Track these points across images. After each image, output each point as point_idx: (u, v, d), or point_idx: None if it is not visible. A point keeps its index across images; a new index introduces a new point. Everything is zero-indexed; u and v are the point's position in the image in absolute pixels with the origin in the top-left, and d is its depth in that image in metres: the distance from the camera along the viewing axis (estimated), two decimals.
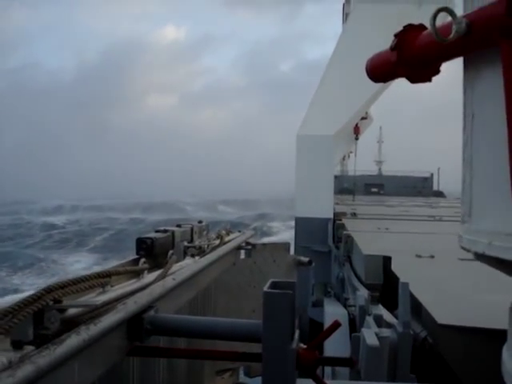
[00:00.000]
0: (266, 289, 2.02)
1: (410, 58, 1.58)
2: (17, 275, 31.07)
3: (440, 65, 1.61)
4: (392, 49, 1.61)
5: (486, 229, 1.44)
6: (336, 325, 2.25)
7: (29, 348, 1.60)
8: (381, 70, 1.76)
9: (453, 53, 1.51)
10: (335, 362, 2.37)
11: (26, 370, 1.42)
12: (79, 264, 34.60)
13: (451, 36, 1.36)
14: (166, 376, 3.11)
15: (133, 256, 3.46)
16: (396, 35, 1.62)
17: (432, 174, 38.09)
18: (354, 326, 4.72)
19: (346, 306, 6.81)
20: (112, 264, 3.13)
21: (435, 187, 37.66)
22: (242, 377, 5.06)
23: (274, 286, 2.13)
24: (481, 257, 1.45)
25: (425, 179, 37.84)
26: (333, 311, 6.49)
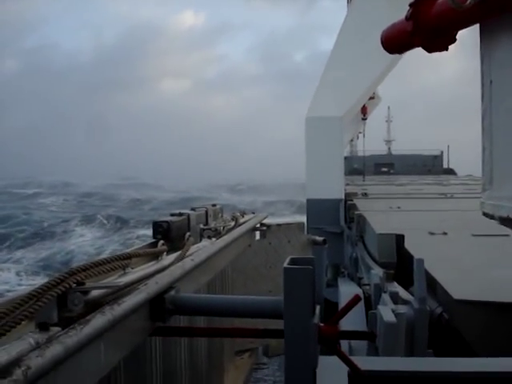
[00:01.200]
0: (285, 265, 2.03)
1: (426, 26, 1.57)
2: None
3: (456, 33, 1.60)
4: (407, 18, 1.60)
5: (508, 193, 1.43)
6: (356, 299, 2.26)
7: (55, 329, 1.62)
8: (396, 41, 1.75)
9: (469, 20, 1.50)
10: (356, 335, 2.39)
11: (55, 349, 1.44)
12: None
13: (468, 2, 1.35)
14: (187, 357, 3.14)
15: (150, 240, 3.49)
16: (411, 5, 1.60)
17: (442, 152, 37.84)
18: (369, 304, 4.74)
19: (360, 285, 6.83)
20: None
21: (445, 165, 37.42)
22: (260, 357, 5.11)
23: (293, 262, 2.13)
24: (505, 221, 1.45)
25: (435, 157, 37.59)
26: (348, 290, 6.51)
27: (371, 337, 2.22)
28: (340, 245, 11.71)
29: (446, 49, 1.65)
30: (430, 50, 1.63)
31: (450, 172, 35.22)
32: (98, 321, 1.67)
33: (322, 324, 2.12)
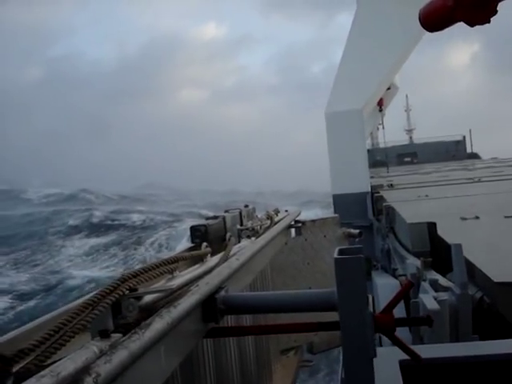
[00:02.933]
0: (336, 256, 2.01)
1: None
2: None
3: (497, 4, 1.57)
4: None
5: None
6: (409, 285, 2.24)
7: (116, 336, 1.63)
8: (436, 18, 1.72)
9: None
10: (413, 322, 2.36)
11: (121, 355, 1.44)
12: None
13: None
14: (236, 357, 3.14)
15: (188, 244, 3.50)
16: None
17: (464, 137, 37.41)
18: (407, 294, 4.70)
19: (395, 277, 6.77)
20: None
21: (468, 149, 37.00)
22: (305, 354, 5.09)
23: (341, 253, 2.11)
24: None
25: (457, 142, 37.18)
26: (383, 282, 6.45)
27: (429, 322, 2.18)
28: (370, 238, 11.66)
29: (489, 21, 1.61)
30: (472, 23, 1.60)
31: (475, 156, 34.84)
32: (158, 324, 1.67)
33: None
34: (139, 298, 1.96)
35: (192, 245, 3.43)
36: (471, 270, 4.06)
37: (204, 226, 3.47)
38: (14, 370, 1.38)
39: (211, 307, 2.15)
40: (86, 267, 30.56)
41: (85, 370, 1.34)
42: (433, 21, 1.76)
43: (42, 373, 1.29)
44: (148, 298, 1.95)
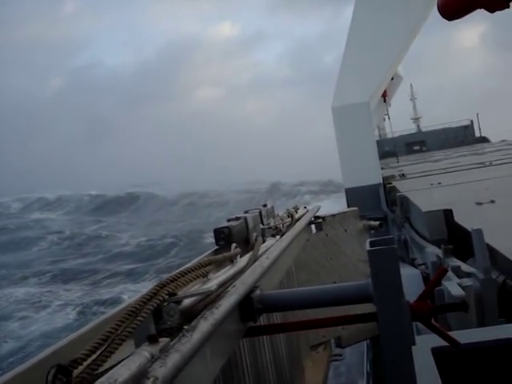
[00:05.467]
0: (368, 248, 2.04)
1: None
2: None
3: None
4: None
5: None
6: (442, 271, 2.26)
7: (164, 340, 1.66)
8: (455, 6, 1.74)
9: None
10: (450, 308, 2.38)
11: (174, 358, 1.48)
12: None
13: None
14: (270, 356, 3.17)
15: (213, 247, 3.53)
16: None
17: (472, 121, 37.21)
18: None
19: (414, 266, 6.78)
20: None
21: (477, 134, 36.79)
22: (334, 348, 5.12)
23: (373, 244, 2.14)
24: None
25: (465, 127, 37.01)
26: (404, 272, 6.45)
27: (465, 307, 2.20)
28: (385, 229, 11.65)
29: (508, 6, 1.63)
30: (492, 8, 1.62)
31: (484, 140, 34.65)
32: (203, 326, 1.70)
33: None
34: (179, 302, 1.99)
35: (216, 247, 3.46)
36: (492, 254, 4.08)
37: (227, 227, 3.50)
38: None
39: (248, 307, 2.19)
40: None
41: (141, 375, 1.37)
42: (452, 9, 1.78)
43: (100, 380, 1.32)
44: (187, 302, 1.98)
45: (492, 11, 1.63)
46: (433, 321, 2.13)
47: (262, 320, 2.89)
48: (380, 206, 12.43)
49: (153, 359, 1.51)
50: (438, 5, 1.79)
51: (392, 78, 20.75)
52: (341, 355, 5.08)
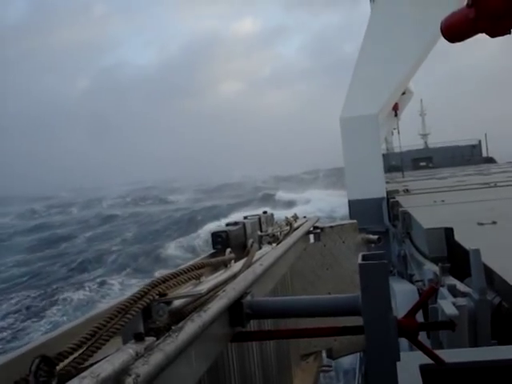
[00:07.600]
0: (360, 262, 2.06)
1: (489, 11, 1.58)
2: None
3: None
4: (469, 5, 1.61)
5: None
6: (432, 290, 2.27)
7: (150, 339, 1.68)
8: (458, 29, 1.76)
9: None
10: (436, 326, 2.39)
11: (158, 357, 1.50)
12: None
13: None
14: (259, 362, 3.18)
15: (210, 251, 3.55)
16: None
17: (480, 141, 37.16)
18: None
19: (412, 282, 6.77)
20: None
21: (484, 154, 36.73)
22: (324, 359, 5.12)
23: (365, 258, 2.16)
24: None
25: (473, 147, 36.99)
26: (401, 288, 6.47)
27: (452, 326, 2.22)
28: (386, 243, 11.65)
29: (509, 32, 1.65)
30: (493, 34, 1.64)
31: (490, 160, 34.58)
32: (190, 328, 1.72)
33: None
34: (169, 302, 2.01)
35: (213, 251, 3.48)
36: (489, 275, 4.07)
37: (225, 232, 3.52)
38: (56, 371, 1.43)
39: (238, 312, 2.21)
40: None
41: (124, 371, 1.39)
42: (454, 32, 1.80)
43: (83, 374, 1.34)
44: (177, 303, 2.00)
45: (493, 36, 1.65)
46: (419, 338, 2.14)
47: (253, 326, 2.90)
48: (382, 220, 12.43)
49: (137, 357, 1.53)
50: (441, 28, 1.82)
51: (404, 93, 20.80)
52: (330, 366, 5.08)
